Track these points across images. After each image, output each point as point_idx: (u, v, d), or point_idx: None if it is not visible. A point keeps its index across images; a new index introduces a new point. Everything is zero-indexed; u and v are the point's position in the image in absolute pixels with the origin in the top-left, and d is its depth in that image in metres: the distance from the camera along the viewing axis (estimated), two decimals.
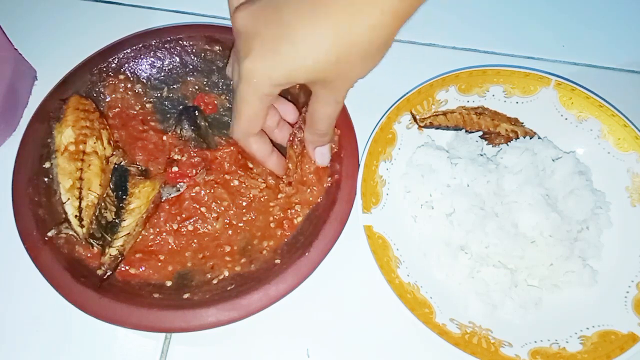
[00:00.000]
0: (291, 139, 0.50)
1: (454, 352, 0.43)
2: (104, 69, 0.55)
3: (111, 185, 0.49)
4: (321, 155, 0.50)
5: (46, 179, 0.49)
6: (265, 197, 0.51)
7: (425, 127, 0.54)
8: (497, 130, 0.55)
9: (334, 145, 0.51)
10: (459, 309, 0.47)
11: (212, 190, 0.50)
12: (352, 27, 0.36)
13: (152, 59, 0.57)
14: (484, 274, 0.48)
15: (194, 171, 0.51)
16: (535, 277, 0.49)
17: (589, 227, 0.50)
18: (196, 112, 0.54)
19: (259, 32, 0.38)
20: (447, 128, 0.55)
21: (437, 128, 0.55)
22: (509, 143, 0.54)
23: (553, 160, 0.52)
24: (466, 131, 0.55)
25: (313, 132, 0.47)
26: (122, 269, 0.47)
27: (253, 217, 0.50)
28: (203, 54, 0.57)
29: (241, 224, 0.50)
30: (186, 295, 0.45)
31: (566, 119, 0.54)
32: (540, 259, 0.48)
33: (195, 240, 0.49)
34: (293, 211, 0.50)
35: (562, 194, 0.51)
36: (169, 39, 0.57)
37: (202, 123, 0.54)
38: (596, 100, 0.53)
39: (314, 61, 0.37)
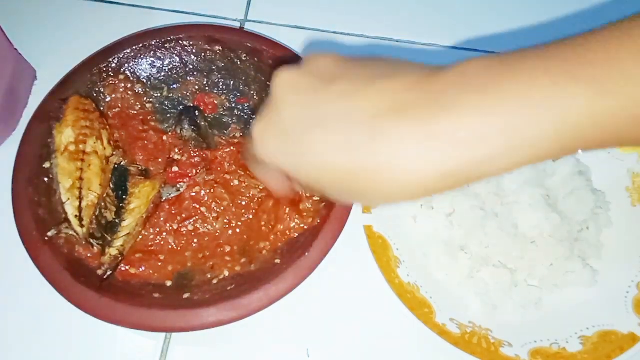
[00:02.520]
0: None
1: (454, 352, 0.43)
2: (104, 69, 0.55)
3: (111, 185, 0.49)
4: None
5: (46, 179, 0.49)
6: (265, 197, 0.51)
7: None
8: None
9: None
10: (459, 309, 0.47)
11: (212, 190, 0.50)
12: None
13: (152, 59, 0.57)
14: (483, 274, 0.48)
15: (194, 171, 0.51)
16: (536, 277, 0.49)
17: (589, 227, 0.50)
18: (196, 112, 0.54)
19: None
20: None
21: None
22: None
23: (553, 160, 0.52)
24: None
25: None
26: (122, 268, 0.47)
27: (253, 217, 0.50)
28: (203, 54, 0.57)
29: (241, 224, 0.50)
30: (186, 295, 0.45)
31: None
32: (540, 259, 0.48)
33: (195, 240, 0.49)
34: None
35: (563, 194, 0.51)
36: (169, 39, 0.57)
37: (203, 123, 0.54)
38: None
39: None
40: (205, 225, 0.50)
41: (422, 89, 0.27)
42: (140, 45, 0.56)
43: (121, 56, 0.56)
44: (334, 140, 0.28)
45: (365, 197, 0.29)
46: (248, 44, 0.57)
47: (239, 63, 0.57)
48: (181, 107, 0.56)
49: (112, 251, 0.46)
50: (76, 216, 0.45)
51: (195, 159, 0.52)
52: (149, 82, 0.57)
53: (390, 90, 0.27)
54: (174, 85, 0.57)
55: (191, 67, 0.58)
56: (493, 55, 0.27)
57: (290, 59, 0.55)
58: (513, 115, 0.25)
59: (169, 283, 0.47)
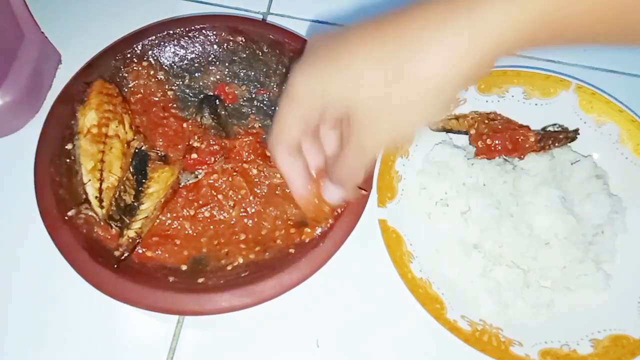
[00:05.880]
0: None
1: (464, 348, 0.43)
2: (128, 55, 0.56)
3: (131, 169, 0.49)
4: (329, 192, 0.42)
5: (68, 160, 0.50)
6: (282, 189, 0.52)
7: (437, 130, 0.54)
8: None
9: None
10: (470, 306, 0.47)
11: (230, 179, 0.51)
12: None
13: (176, 47, 0.57)
14: (496, 273, 0.48)
15: (213, 159, 0.52)
16: (548, 279, 0.49)
17: (604, 231, 0.50)
18: (217, 101, 0.55)
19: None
20: (459, 132, 0.54)
21: (448, 132, 0.54)
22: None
23: (571, 163, 0.52)
24: None
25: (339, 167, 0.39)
26: (139, 251, 0.47)
27: (270, 207, 0.51)
28: (225, 44, 0.58)
29: (257, 213, 0.51)
30: (201, 280, 0.46)
31: (585, 122, 0.54)
32: (553, 261, 0.48)
33: (211, 227, 0.50)
34: None
35: (579, 197, 0.51)
36: (192, 28, 0.57)
37: (222, 112, 0.55)
38: (616, 105, 0.53)
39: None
40: (222, 212, 0.50)
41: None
42: (165, 33, 0.57)
43: (145, 43, 0.56)
44: (366, 56, 0.32)
45: (395, 108, 0.33)
46: (270, 36, 0.57)
47: (260, 54, 0.58)
48: (202, 95, 0.56)
49: (130, 233, 0.46)
50: (96, 197, 0.46)
51: (214, 147, 0.52)
52: (172, 70, 0.57)
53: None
54: (196, 74, 0.58)
55: (213, 56, 0.58)
56: None
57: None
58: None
59: (184, 267, 0.48)
